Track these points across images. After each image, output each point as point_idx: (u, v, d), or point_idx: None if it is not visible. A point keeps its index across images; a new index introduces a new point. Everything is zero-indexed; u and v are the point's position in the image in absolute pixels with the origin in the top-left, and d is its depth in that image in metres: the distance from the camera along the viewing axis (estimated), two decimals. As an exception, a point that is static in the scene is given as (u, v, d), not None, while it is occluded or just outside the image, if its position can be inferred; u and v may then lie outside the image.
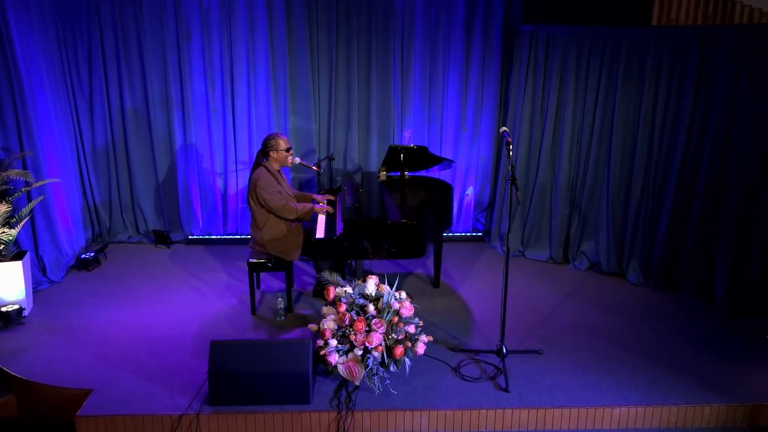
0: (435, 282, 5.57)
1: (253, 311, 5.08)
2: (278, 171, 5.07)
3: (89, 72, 6.18)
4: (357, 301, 4.07)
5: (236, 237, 6.68)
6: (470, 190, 6.70)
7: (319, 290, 5.38)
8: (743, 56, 4.85)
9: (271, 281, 5.72)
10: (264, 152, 5.02)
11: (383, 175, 5.76)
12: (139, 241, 6.64)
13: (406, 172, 5.75)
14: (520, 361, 4.39)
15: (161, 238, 6.52)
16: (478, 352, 4.49)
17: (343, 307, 4.03)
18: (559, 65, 5.80)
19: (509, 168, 4.03)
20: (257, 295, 5.28)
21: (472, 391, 4.07)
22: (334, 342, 3.94)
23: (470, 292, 5.53)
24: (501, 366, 4.25)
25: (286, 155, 5.01)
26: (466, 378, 4.19)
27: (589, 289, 5.61)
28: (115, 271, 5.90)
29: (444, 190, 5.38)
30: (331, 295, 4.10)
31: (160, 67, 6.20)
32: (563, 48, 5.75)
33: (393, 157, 5.23)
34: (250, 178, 5.06)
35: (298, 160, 5.20)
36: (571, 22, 6.09)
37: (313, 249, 4.80)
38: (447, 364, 4.36)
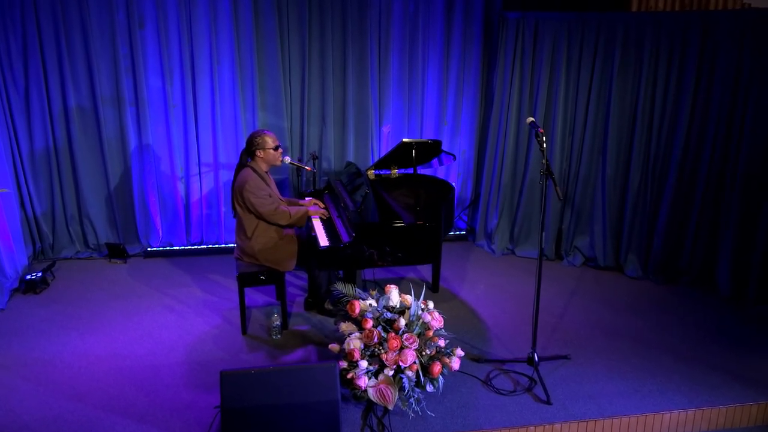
0: (434, 286, 5.20)
1: (244, 330, 4.52)
2: (266, 172, 4.53)
3: (24, 65, 5.34)
4: (384, 315, 3.63)
5: (202, 247, 6.04)
6: (452, 187, 6.37)
7: (312, 303, 4.89)
8: (746, 41, 4.76)
9: (254, 295, 5.15)
10: (249, 151, 4.48)
11: (371, 173, 5.33)
12: (89, 256, 5.86)
13: (396, 170, 5.36)
14: (550, 369, 4.09)
15: (116, 252, 5.78)
16: (504, 361, 4.16)
17: (369, 324, 3.57)
18: (549, 53, 5.55)
19: (544, 162, 3.71)
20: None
21: (512, 405, 3.72)
22: (364, 363, 3.48)
23: (471, 295, 5.19)
24: (535, 376, 3.93)
25: (275, 154, 4.49)
26: (501, 392, 3.84)
27: (590, 286, 5.41)
28: (69, 293, 5.14)
29: (447, 189, 5.02)
30: (357, 311, 3.63)
31: (109, 58, 5.46)
32: (553, 35, 5.52)
33: (402, 153, 4.80)
34: (234, 181, 4.50)
35: (288, 159, 4.68)
36: (550, 9, 5.88)
37: (319, 258, 4.28)
38: (475, 377, 4.00)
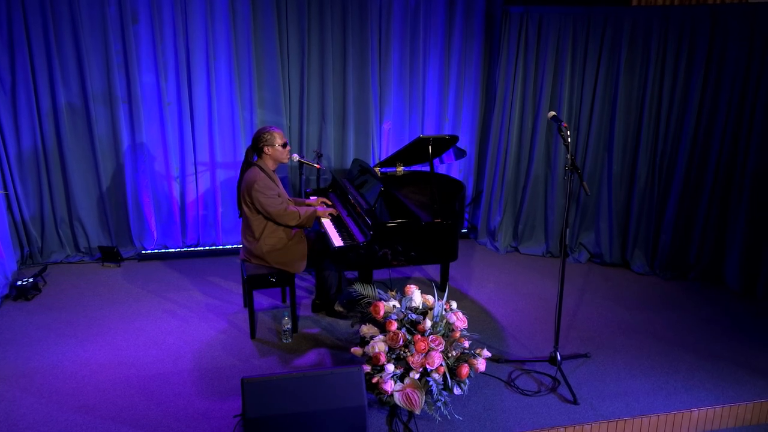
0: (442, 285, 5.09)
1: (253, 335, 4.36)
2: (273, 171, 4.37)
3: (11, 61, 5.10)
4: (409, 316, 3.50)
5: (198, 249, 5.84)
6: (453, 185, 6.28)
7: (320, 305, 4.74)
8: (756, 35, 4.75)
9: (257, 297, 4.97)
10: (256, 149, 4.31)
11: (377, 171, 5.20)
12: (80, 260, 5.62)
13: (401, 167, 5.24)
14: (572, 368, 4.01)
15: (110, 255, 5.55)
16: (524, 361, 4.06)
17: (394, 326, 3.45)
18: (554, 48, 5.49)
19: (569, 156, 3.62)
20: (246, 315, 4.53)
21: (538, 406, 3.63)
22: (390, 367, 3.35)
23: (481, 294, 5.10)
24: (558, 375, 3.85)
25: (283, 151, 4.33)
26: (526, 392, 3.74)
27: (599, 282, 5.36)
28: (63, 299, 4.91)
29: (458, 187, 4.92)
30: (381, 312, 3.50)
31: (100, 54, 5.24)
32: (557, 30, 5.46)
33: (418, 149, 4.68)
34: (240, 180, 4.34)
35: (296, 157, 4.53)
36: (552, 3, 5.81)
37: (333, 258, 4.14)
38: (498, 378, 3.90)
